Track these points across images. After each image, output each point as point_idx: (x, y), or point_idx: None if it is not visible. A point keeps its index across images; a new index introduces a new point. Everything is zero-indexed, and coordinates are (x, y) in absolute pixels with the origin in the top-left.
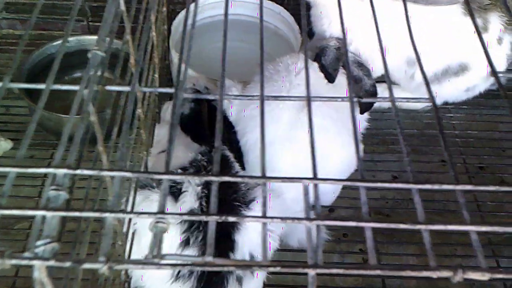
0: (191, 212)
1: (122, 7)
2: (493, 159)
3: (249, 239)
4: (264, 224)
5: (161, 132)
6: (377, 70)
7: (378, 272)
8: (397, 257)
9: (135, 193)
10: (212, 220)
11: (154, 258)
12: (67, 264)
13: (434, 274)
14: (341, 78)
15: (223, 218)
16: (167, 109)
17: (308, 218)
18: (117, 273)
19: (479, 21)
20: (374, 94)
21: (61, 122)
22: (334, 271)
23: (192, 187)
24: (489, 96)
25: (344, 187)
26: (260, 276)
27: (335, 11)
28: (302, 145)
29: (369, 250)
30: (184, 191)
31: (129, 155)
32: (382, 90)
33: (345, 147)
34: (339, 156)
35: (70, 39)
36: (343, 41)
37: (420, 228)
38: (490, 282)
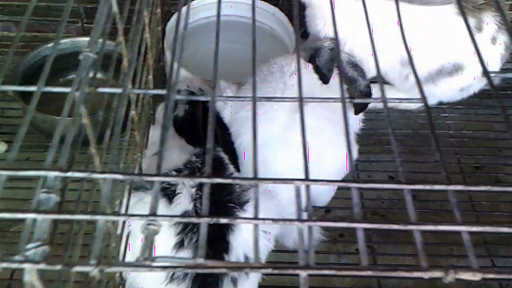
0: (184, 214)
1: (115, 8)
2: (488, 158)
3: (244, 240)
4: (256, 225)
5: (156, 134)
6: (371, 70)
7: (369, 273)
8: (393, 257)
9: (129, 195)
10: (204, 222)
11: (146, 261)
12: (58, 267)
13: (426, 275)
14: (336, 79)
15: (215, 220)
16: (161, 110)
17: (299, 220)
18: (111, 275)
19: (473, 21)
20: (368, 94)
21: (56, 125)
22: (326, 272)
23: (186, 188)
24: (484, 96)
25: (339, 188)
26: (254, 277)
27: (330, 11)
28: (297, 146)
29: (361, 251)
30: (178, 193)
31: (122, 157)
32: (377, 90)
33: (340, 147)
34: (334, 156)
35: (65, 41)
36: (335, 41)
37: (411, 229)
38: (486, 282)
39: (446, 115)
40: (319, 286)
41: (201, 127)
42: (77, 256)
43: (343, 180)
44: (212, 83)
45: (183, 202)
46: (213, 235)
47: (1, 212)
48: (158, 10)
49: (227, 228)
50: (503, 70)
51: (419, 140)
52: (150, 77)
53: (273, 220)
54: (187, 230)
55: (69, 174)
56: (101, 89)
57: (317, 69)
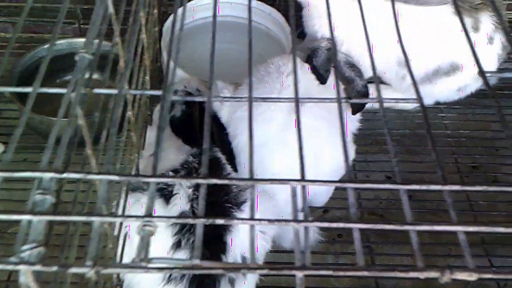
0: (181, 215)
1: (111, 9)
2: (486, 158)
3: (241, 240)
4: (252, 226)
5: (153, 135)
6: (368, 70)
7: (366, 273)
8: (391, 257)
9: (126, 196)
10: (200, 223)
11: (141, 262)
12: (54, 268)
13: (422, 275)
14: (333, 79)
15: (210, 221)
16: (158, 111)
17: (295, 220)
18: (109, 276)
19: (470, 21)
20: (365, 94)
21: (53, 126)
22: (322, 272)
23: (183, 189)
24: (481, 95)
25: (337, 188)
26: (252, 277)
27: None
28: (294, 147)
29: (357, 251)
30: (176, 194)
31: (119, 158)
32: (374, 90)
33: (338, 148)
34: (332, 156)
35: (62, 41)
36: (332, 41)
37: (407, 229)
38: (483, 282)
39: (443, 115)
40: (317, 286)
41: (198, 128)
42: (74, 257)
43: (339, 181)
44: (208, 83)
45: (180, 203)
46: (210, 235)
47: None
48: (155, 11)
49: (224, 228)
50: (500, 70)
51: (416, 140)
52: (147, 77)
53: (269, 221)
54: (184, 231)
55: (64, 175)
56: (97, 90)
57: (314, 69)
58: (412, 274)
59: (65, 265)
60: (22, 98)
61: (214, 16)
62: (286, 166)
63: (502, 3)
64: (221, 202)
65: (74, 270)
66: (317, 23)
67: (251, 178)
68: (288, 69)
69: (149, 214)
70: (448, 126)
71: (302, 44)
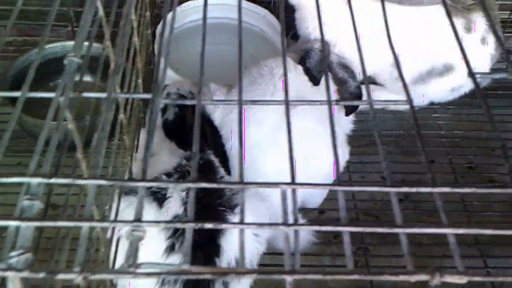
0: (175, 218)
1: (101, 12)
2: (481, 158)
3: (235, 243)
4: (242, 230)
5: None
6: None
7: (355, 276)
8: (387, 258)
9: (118, 200)
10: (189, 227)
11: (130, 267)
12: (41, 275)
13: (412, 278)
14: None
15: (199, 225)
16: None
17: (285, 224)
18: (101, 280)
19: (462, 21)
20: (359, 96)
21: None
22: (311, 276)
23: (177, 192)
24: (475, 96)
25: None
26: (246, 280)
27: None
28: (286, 147)
29: (347, 255)
30: (169, 197)
31: (111, 161)
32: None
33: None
34: (326, 158)
35: (55, 45)
36: (323, 43)
37: (397, 232)
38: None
39: (438, 115)
40: (314, 286)
41: (191, 131)
42: (64, 261)
43: (328, 184)
44: (198, 86)
45: (174, 206)
46: (204, 238)
47: None
48: (148, 13)
49: (217, 231)
50: (493, 70)
51: (412, 141)
52: (140, 80)
53: (259, 224)
54: (177, 234)
55: (52, 180)
56: (86, 94)
57: (307, 71)
58: (402, 277)
59: (53, 271)
60: (15, 101)
61: (204, 18)
62: (278, 166)
63: (495, 4)
64: (214, 205)
65: (61, 276)
66: (310, 25)
67: (241, 182)
68: (281, 71)
69: (138, 219)
70: (442, 126)
71: (295, 46)
